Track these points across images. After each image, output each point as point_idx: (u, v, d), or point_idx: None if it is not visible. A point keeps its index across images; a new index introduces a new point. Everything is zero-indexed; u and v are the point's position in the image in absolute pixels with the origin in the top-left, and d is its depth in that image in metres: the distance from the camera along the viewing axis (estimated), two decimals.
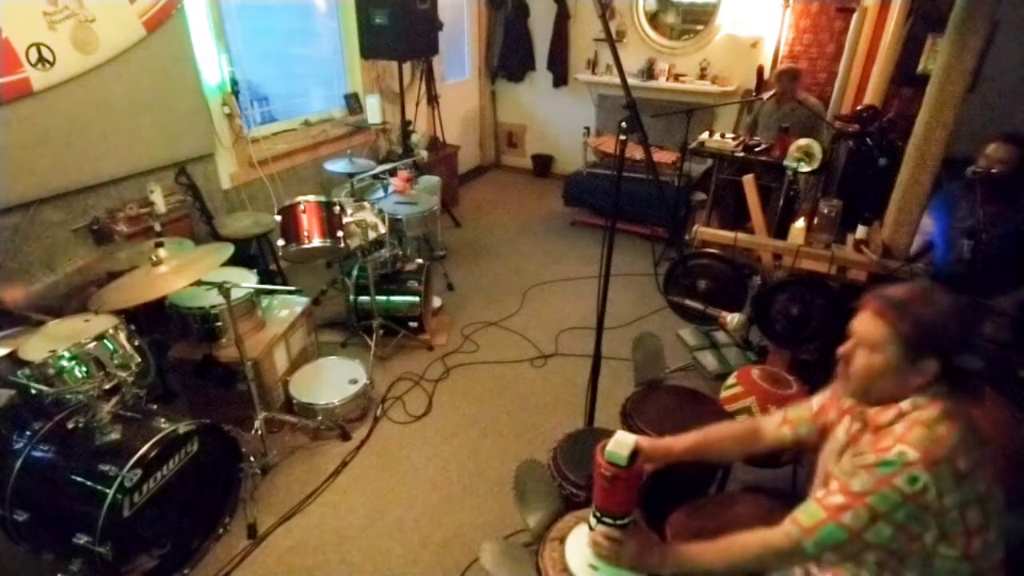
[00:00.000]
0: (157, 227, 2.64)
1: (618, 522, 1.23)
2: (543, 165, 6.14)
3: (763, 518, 1.44)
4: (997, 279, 2.21)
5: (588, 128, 5.05)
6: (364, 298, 3.08)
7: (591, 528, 1.27)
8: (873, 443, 1.10)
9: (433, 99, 4.82)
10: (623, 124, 1.72)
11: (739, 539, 1.16)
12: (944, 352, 1.08)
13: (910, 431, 1.06)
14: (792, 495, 2.03)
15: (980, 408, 1.11)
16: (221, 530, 2.09)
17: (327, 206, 2.71)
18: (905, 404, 1.10)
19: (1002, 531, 1.07)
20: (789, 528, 1.12)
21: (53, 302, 2.49)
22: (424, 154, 4.37)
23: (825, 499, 1.10)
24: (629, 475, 1.21)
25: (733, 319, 2.59)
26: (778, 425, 1.40)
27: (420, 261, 3.33)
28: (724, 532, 1.19)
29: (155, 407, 2.03)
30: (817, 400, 1.37)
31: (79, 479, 1.71)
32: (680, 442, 1.40)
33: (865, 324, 1.14)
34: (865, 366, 1.13)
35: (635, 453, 1.22)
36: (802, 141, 3.36)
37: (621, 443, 1.22)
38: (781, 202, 3.45)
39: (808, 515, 1.11)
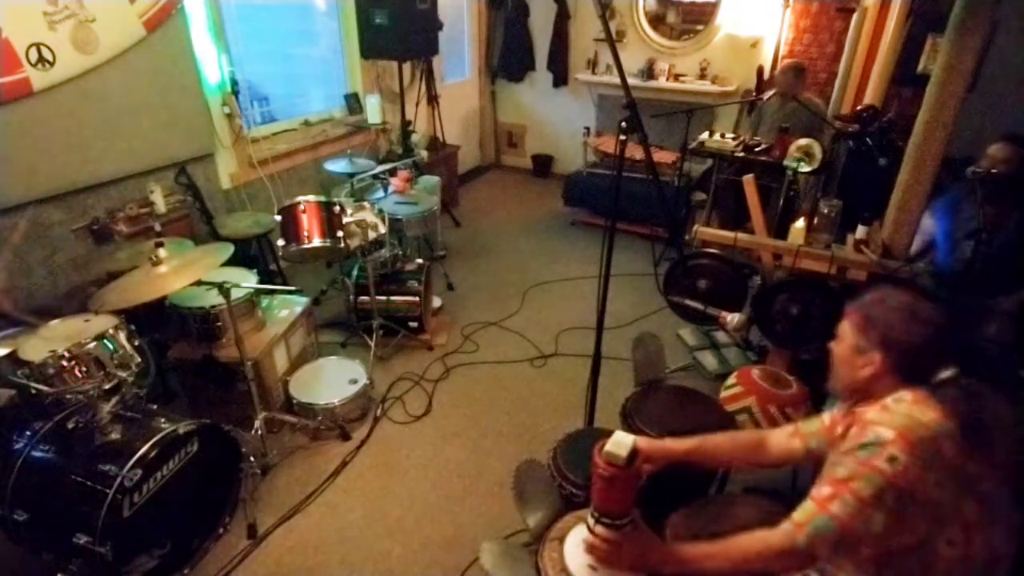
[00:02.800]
0: (157, 227, 2.63)
1: (617, 522, 1.23)
2: (543, 165, 6.14)
3: (763, 520, 1.44)
4: (999, 279, 2.21)
5: (588, 128, 5.06)
6: (364, 298, 3.08)
7: (590, 529, 1.27)
8: (856, 434, 1.12)
9: (433, 99, 4.82)
10: (623, 124, 1.72)
11: (740, 540, 1.16)
12: (885, 346, 1.13)
13: (889, 415, 1.08)
14: (792, 496, 2.03)
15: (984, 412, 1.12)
16: (221, 530, 2.09)
17: (327, 206, 2.71)
18: (888, 399, 1.12)
19: (1013, 535, 1.05)
20: (785, 526, 1.12)
21: (52, 302, 2.50)
22: (424, 154, 4.37)
23: (815, 493, 1.11)
24: (627, 475, 1.20)
25: (733, 319, 2.59)
26: (789, 437, 1.39)
27: (420, 261, 3.33)
28: (723, 534, 1.18)
29: (155, 407, 2.03)
30: (827, 415, 1.36)
31: (79, 479, 1.70)
32: (680, 445, 1.39)
33: (842, 324, 1.25)
34: (834, 355, 1.25)
35: (634, 453, 1.22)
36: (802, 141, 3.36)
37: (619, 443, 1.22)
38: (781, 202, 3.45)
39: (801, 510, 1.12)
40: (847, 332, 1.22)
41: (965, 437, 1.04)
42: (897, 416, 1.07)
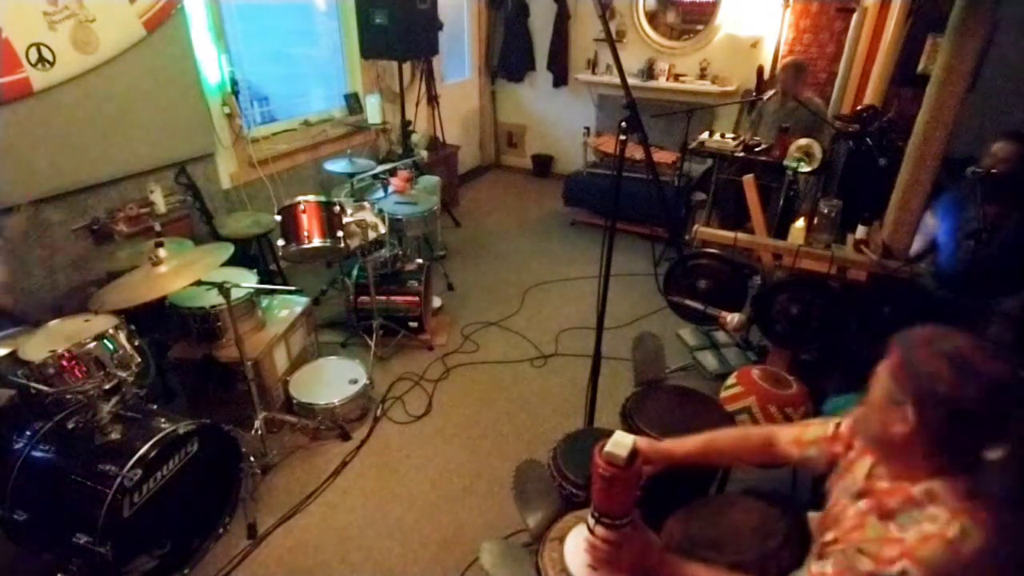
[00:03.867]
0: (157, 227, 2.63)
1: (617, 523, 1.23)
2: (543, 165, 6.14)
3: (760, 522, 1.44)
4: (1001, 280, 2.21)
5: (588, 128, 5.05)
6: (364, 298, 3.08)
7: (590, 529, 1.26)
8: (879, 538, 0.95)
9: (433, 99, 4.82)
10: (623, 124, 1.72)
11: None
12: (922, 403, 0.92)
13: (923, 543, 0.89)
14: (792, 498, 2.03)
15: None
16: (221, 530, 2.09)
17: (327, 206, 2.71)
18: (917, 490, 0.94)
19: None
20: None
21: (52, 302, 2.50)
22: (424, 154, 4.37)
23: None
24: (627, 476, 1.20)
25: (733, 319, 2.59)
26: (789, 441, 1.33)
27: (420, 261, 3.33)
28: (721, 537, 1.18)
29: (155, 407, 2.03)
30: (832, 424, 1.26)
31: (79, 479, 1.70)
32: (682, 446, 1.36)
33: (886, 387, 1.00)
34: (868, 397, 1.03)
35: (634, 453, 1.22)
36: (802, 141, 3.36)
37: (619, 443, 1.21)
38: (781, 202, 3.45)
39: None
40: (882, 374, 1.00)
41: (1010, 555, 0.87)
42: (932, 548, 0.88)
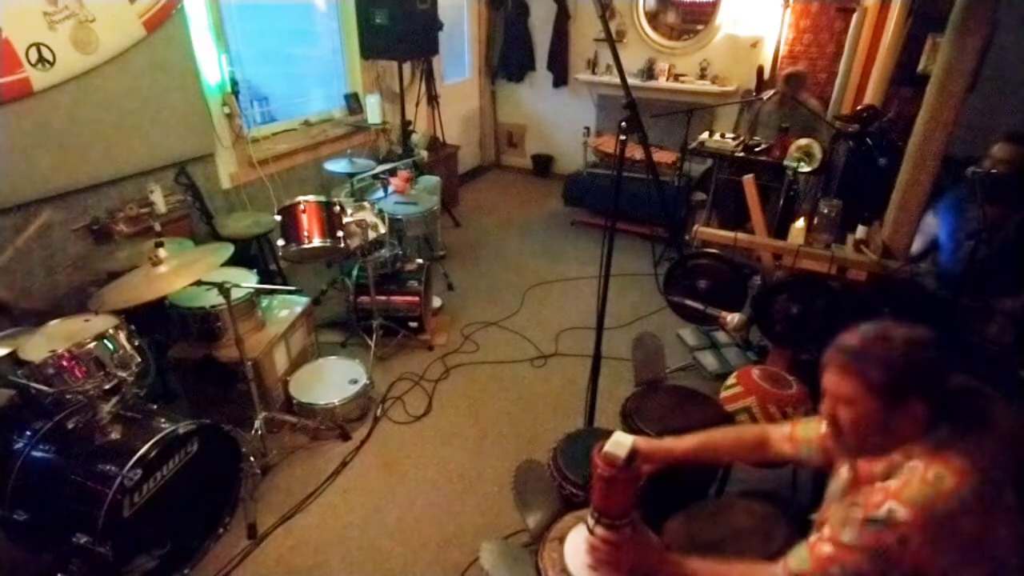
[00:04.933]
0: (157, 227, 2.63)
1: (616, 523, 1.23)
2: (543, 165, 6.14)
3: (760, 524, 1.44)
4: (1001, 280, 2.21)
5: (588, 128, 5.05)
6: (364, 298, 3.08)
7: (589, 529, 1.26)
8: (868, 495, 1.02)
9: (433, 99, 4.82)
10: (623, 124, 1.72)
11: (735, 568, 1.15)
12: (924, 387, 1.01)
13: (905, 486, 0.97)
14: (791, 499, 2.03)
15: (990, 430, 1.00)
16: (221, 530, 2.09)
17: (327, 206, 2.72)
18: (896, 455, 1.02)
19: None
20: (778, 570, 1.09)
21: (51, 301, 2.50)
22: (424, 154, 4.37)
23: (816, 547, 1.05)
24: (627, 476, 1.20)
25: (733, 319, 2.59)
26: (783, 439, 1.35)
27: (420, 261, 3.33)
28: (721, 539, 1.18)
29: (155, 407, 2.03)
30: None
31: (79, 479, 1.70)
32: (681, 445, 1.37)
33: (834, 383, 1.07)
34: (851, 422, 1.06)
35: (633, 454, 1.22)
36: (802, 141, 3.37)
37: (618, 444, 1.22)
38: (781, 202, 3.45)
39: (798, 560, 1.07)
40: (856, 392, 1.04)
41: (986, 496, 0.94)
42: (913, 488, 0.96)
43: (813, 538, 1.08)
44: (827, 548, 1.03)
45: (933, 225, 2.46)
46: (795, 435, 1.34)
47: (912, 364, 1.00)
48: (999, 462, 0.97)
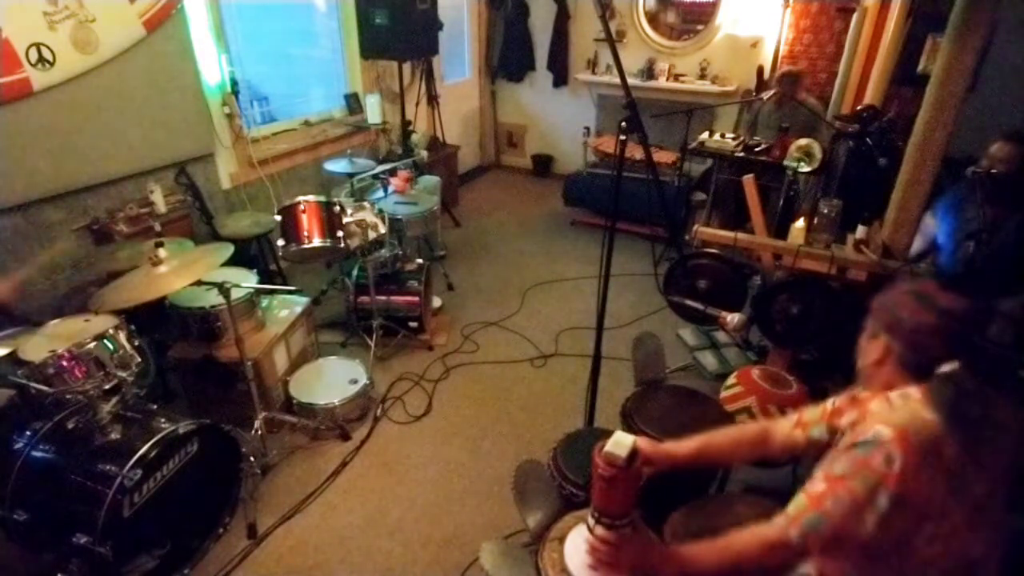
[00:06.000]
0: (157, 227, 2.63)
1: (617, 523, 1.23)
2: (543, 165, 6.14)
3: (761, 519, 1.44)
4: (1000, 280, 2.21)
5: (588, 128, 5.05)
6: (364, 298, 3.08)
7: (590, 529, 1.26)
8: (858, 430, 1.09)
9: (433, 99, 4.82)
10: (623, 124, 1.72)
11: (737, 537, 1.15)
12: (891, 330, 1.12)
13: (892, 413, 1.05)
14: (793, 495, 2.03)
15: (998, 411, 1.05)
16: (221, 530, 2.09)
17: (327, 206, 2.72)
18: (894, 394, 1.10)
19: (997, 540, 1.03)
20: (779, 519, 1.11)
21: (52, 302, 2.50)
22: (424, 154, 4.36)
23: (810, 487, 1.09)
24: (627, 476, 1.20)
25: (733, 319, 2.59)
26: (792, 428, 1.36)
27: (420, 261, 3.33)
28: (722, 533, 1.18)
29: (155, 407, 2.03)
30: (832, 401, 1.32)
31: (79, 479, 1.71)
32: (683, 448, 1.37)
33: (872, 317, 1.20)
34: (867, 355, 1.19)
35: (634, 454, 1.22)
36: (802, 141, 3.37)
37: (619, 443, 1.21)
38: (781, 202, 3.45)
39: (795, 504, 1.10)
40: (867, 322, 1.20)
41: (965, 439, 1.00)
42: (898, 413, 1.04)
43: (808, 484, 1.11)
44: (820, 485, 1.06)
45: (932, 225, 2.45)
46: (803, 419, 1.35)
47: (891, 307, 1.13)
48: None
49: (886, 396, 1.11)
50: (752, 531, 1.14)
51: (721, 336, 3.26)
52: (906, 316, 1.10)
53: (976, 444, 1.01)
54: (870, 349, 1.17)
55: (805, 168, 3.34)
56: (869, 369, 1.18)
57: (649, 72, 5.06)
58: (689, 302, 2.75)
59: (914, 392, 1.08)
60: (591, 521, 1.27)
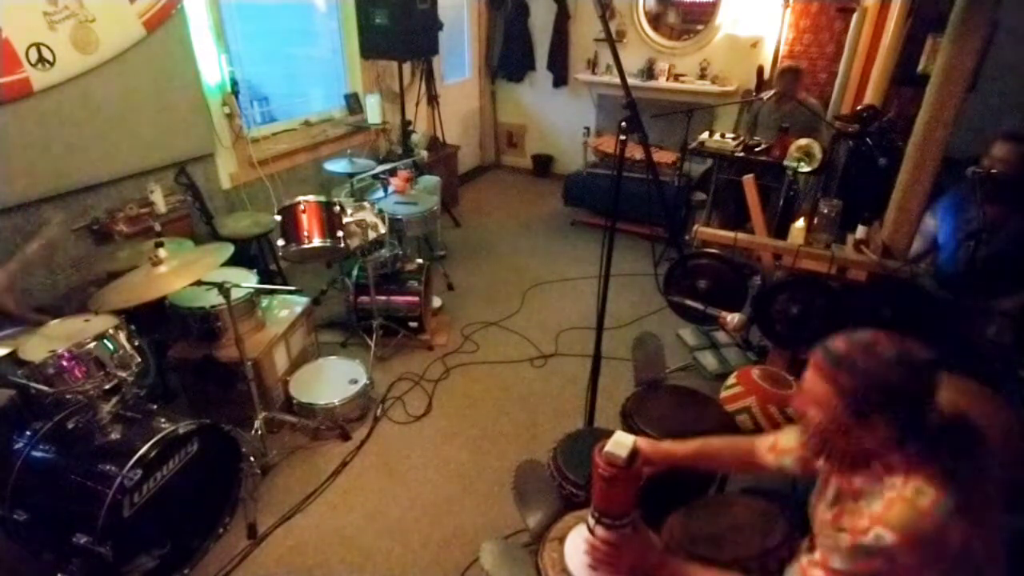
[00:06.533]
0: (157, 227, 2.63)
1: (617, 523, 1.23)
2: (543, 165, 6.14)
3: (759, 520, 1.44)
4: (1001, 280, 2.20)
5: (588, 128, 5.06)
6: (364, 298, 3.08)
7: (590, 529, 1.26)
8: (852, 517, 1.02)
9: (433, 99, 4.82)
10: (623, 124, 1.72)
11: None
12: (893, 409, 0.98)
13: (889, 509, 0.97)
14: (791, 497, 2.02)
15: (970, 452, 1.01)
16: (221, 530, 2.09)
17: (327, 206, 2.71)
18: (876, 466, 1.02)
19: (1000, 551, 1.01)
20: None
21: (52, 302, 2.50)
22: (424, 154, 4.37)
23: (808, 571, 1.06)
24: (628, 476, 1.20)
25: (733, 319, 2.59)
26: (766, 450, 1.35)
27: (420, 261, 3.33)
28: (720, 534, 1.18)
29: (155, 407, 2.03)
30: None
31: (79, 479, 1.70)
32: (682, 448, 1.38)
33: (811, 380, 1.07)
34: (816, 424, 1.06)
35: (634, 454, 1.22)
36: (802, 141, 3.36)
37: (619, 443, 1.22)
38: (781, 202, 3.45)
39: None
40: (827, 395, 1.03)
41: (969, 510, 0.94)
42: (897, 511, 0.96)
43: (804, 560, 1.09)
44: (818, 573, 1.04)
45: (932, 225, 2.45)
46: (777, 445, 1.33)
47: (886, 384, 0.98)
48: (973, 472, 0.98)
49: (868, 472, 1.03)
50: None
51: (721, 336, 3.26)
52: (862, 367, 0.99)
53: (980, 513, 0.96)
54: (826, 417, 1.04)
55: (805, 168, 3.34)
56: (834, 442, 1.06)
57: (649, 72, 5.06)
58: (689, 302, 2.75)
59: (897, 467, 1.00)
60: (591, 521, 1.27)
